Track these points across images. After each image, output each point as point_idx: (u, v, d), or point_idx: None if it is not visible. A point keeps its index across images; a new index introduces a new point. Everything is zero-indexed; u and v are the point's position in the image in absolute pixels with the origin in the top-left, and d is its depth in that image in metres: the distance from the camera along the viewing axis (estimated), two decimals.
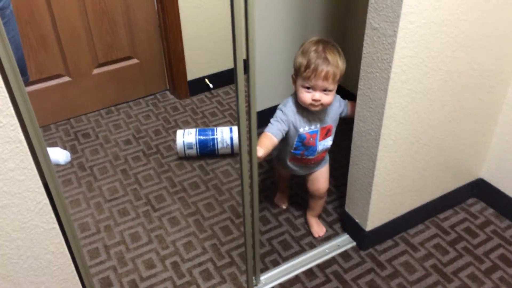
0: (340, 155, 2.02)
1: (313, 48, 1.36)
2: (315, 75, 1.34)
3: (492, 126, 1.65)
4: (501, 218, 1.74)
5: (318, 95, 1.37)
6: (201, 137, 2.00)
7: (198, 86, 2.43)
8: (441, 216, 1.76)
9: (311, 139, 1.48)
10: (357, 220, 1.64)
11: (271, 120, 1.45)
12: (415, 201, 1.66)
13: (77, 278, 1.09)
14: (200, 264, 1.60)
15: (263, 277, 1.56)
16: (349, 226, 1.69)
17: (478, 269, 1.57)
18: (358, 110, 1.46)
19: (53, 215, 0.98)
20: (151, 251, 1.65)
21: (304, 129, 1.46)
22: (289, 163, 1.58)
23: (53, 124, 2.24)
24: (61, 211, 1.01)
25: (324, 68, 1.33)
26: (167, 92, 2.47)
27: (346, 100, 1.55)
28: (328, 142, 1.54)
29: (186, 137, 2.00)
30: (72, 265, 1.07)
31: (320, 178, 1.62)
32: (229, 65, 2.44)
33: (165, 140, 2.16)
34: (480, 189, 1.80)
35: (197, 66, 2.39)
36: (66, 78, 2.20)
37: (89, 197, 1.86)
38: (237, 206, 1.81)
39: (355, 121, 1.49)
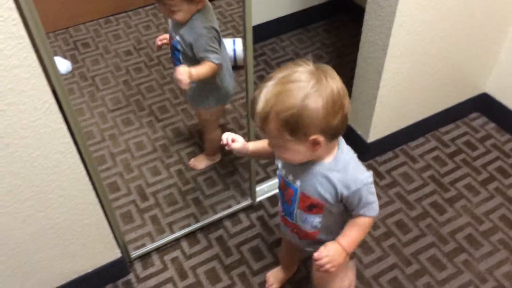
0: (344, 70, 1.99)
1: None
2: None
3: (502, 39, 1.61)
4: (502, 132, 1.76)
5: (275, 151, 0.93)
6: None
7: None
8: (443, 129, 1.78)
9: (286, 192, 1.01)
10: (359, 132, 1.65)
11: None
12: (418, 114, 1.67)
13: (87, 178, 1.12)
14: (204, 172, 1.64)
15: (265, 185, 1.60)
16: (351, 138, 1.70)
17: (475, 180, 1.61)
18: (367, 19, 1.41)
19: (60, 115, 0.98)
20: (156, 160, 1.68)
21: (281, 171, 1.01)
22: (280, 218, 1.11)
23: (51, 33, 2.18)
24: (67, 111, 1.01)
25: (254, 105, 0.87)
26: None
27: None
28: (314, 220, 0.99)
29: None
30: (82, 165, 1.09)
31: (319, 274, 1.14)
32: None
33: (166, 52, 2.10)
34: (483, 104, 1.80)
35: None
36: None
37: (92, 106, 1.86)
38: (239, 118, 1.82)
39: (363, 30, 1.45)
